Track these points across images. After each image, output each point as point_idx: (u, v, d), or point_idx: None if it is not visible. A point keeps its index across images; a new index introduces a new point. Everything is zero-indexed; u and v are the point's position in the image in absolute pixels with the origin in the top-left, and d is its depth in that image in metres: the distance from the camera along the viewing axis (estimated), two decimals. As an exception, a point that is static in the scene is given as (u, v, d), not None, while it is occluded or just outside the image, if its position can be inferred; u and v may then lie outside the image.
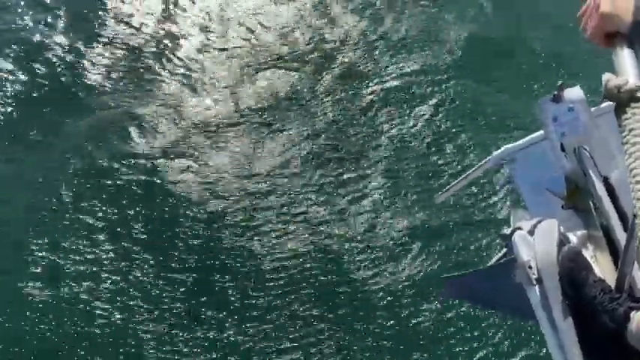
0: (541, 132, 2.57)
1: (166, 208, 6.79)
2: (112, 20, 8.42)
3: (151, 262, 6.40)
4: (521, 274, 1.88)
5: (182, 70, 7.98)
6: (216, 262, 6.43)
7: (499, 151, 2.81)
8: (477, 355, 5.81)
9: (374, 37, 8.28)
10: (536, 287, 1.82)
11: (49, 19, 8.28)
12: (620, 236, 1.97)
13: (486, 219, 6.53)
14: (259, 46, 8.22)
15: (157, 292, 6.21)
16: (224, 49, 8.17)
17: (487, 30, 8.29)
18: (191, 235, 6.59)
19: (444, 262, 6.30)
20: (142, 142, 7.29)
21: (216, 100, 7.75)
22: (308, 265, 6.39)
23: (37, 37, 8.10)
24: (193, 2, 8.61)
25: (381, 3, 8.61)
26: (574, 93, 2.25)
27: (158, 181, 6.98)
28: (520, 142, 2.75)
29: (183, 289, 6.24)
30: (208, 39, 8.30)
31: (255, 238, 6.60)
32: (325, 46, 8.23)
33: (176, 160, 7.18)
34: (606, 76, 1.55)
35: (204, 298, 6.20)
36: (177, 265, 6.39)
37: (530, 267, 1.83)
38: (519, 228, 1.98)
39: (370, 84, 7.86)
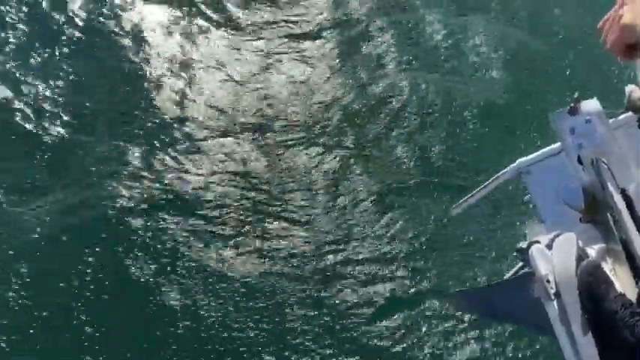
0: (557, 144, 2.55)
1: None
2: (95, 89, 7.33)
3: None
4: (538, 288, 1.85)
5: (175, 162, 6.87)
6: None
7: (514, 164, 2.79)
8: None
9: (384, 121, 7.45)
10: (555, 302, 1.80)
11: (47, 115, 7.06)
12: None
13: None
14: (262, 126, 7.32)
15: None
16: (226, 132, 7.19)
17: (504, 101, 7.67)
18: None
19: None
20: (131, 255, 6.25)
21: (215, 204, 6.66)
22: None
23: (30, 126, 6.94)
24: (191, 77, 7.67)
25: (389, 75, 7.86)
26: (591, 105, 2.23)
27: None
28: (535, 154, 2.73)
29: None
30: (208, 117, 7.32)
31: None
32: (333, 123, 7.46)
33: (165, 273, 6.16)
34: (630, 88, 1.53)
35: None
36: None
37: (548, 281, 1.81)
38: (537, 241, 1.96)
39: (381, 175, 7.02)
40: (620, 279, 1.94)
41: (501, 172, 2.85)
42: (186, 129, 7.16)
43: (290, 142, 7.25)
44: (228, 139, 7.19)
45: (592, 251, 1.99)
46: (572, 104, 2.26)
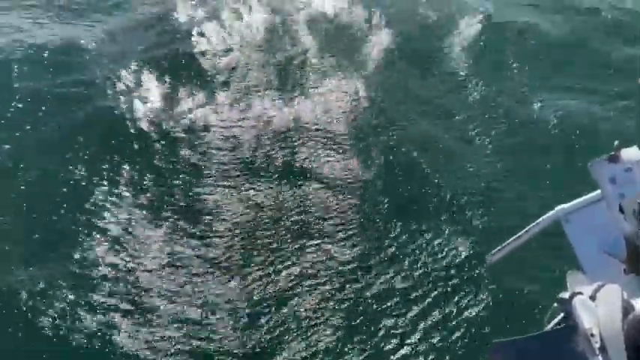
0: (597, 192, 2.51)
1: None
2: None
3: None
4: (582, 341, 1.79)
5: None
6: None
7: (553, 211, 2.74)
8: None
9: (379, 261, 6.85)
10: (600, 356, 1.73)
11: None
12: None
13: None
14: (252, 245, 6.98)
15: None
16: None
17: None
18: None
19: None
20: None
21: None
22: None
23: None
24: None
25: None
26: (632, 153, 2.20)
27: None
28: (575, 202, 2.68)
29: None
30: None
31: None
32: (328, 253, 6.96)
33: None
34: None
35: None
36: None
37: (592, 335, 1.75)
38: (579, 292, 1.91)
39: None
40: None
41: (540, 219, 2.80)
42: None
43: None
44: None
45: (637, 304, 1.93)
46: (612, 152, 2.24)
